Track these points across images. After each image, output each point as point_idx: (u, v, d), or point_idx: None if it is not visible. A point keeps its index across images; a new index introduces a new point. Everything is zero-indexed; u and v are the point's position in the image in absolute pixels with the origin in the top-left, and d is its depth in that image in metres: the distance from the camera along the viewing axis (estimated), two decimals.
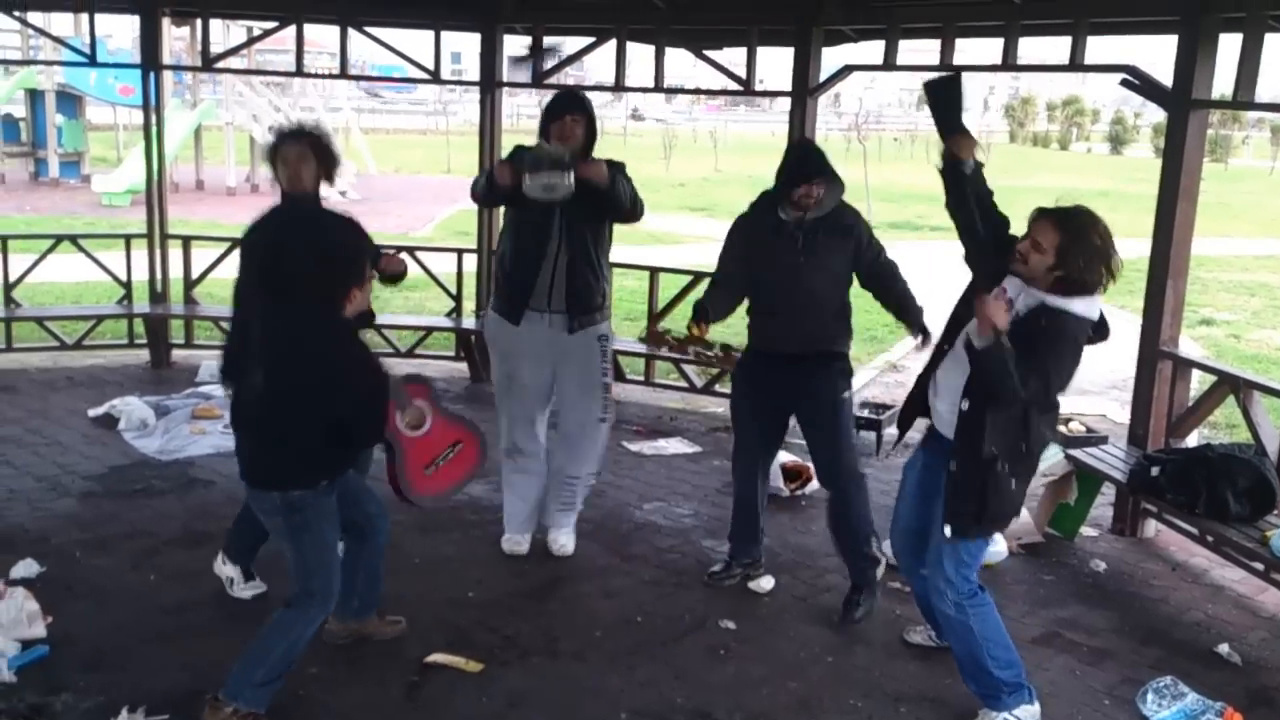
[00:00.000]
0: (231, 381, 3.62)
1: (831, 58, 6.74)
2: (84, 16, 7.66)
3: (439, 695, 3.68)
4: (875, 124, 41.48)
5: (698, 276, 6.97)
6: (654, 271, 7.53)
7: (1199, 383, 5.79)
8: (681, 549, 4.98)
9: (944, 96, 3.67)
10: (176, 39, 17.10)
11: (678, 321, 5.68)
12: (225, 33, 18.45)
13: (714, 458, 6.20)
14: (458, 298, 7.83)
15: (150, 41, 7.51)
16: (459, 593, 4.42)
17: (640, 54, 7.30)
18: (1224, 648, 4.20)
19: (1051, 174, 30.82)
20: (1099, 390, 7.98)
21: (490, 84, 7.39)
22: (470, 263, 7.76)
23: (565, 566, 4.72)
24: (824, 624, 4.29)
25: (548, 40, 7.40)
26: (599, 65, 21.44)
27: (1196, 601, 4.66)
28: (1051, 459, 5.04)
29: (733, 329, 4.70)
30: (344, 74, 8.12)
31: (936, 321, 3.86)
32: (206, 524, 4.88)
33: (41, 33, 9.57)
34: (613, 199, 4.33)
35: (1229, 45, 4.94)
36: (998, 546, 4.77)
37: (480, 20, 7.27)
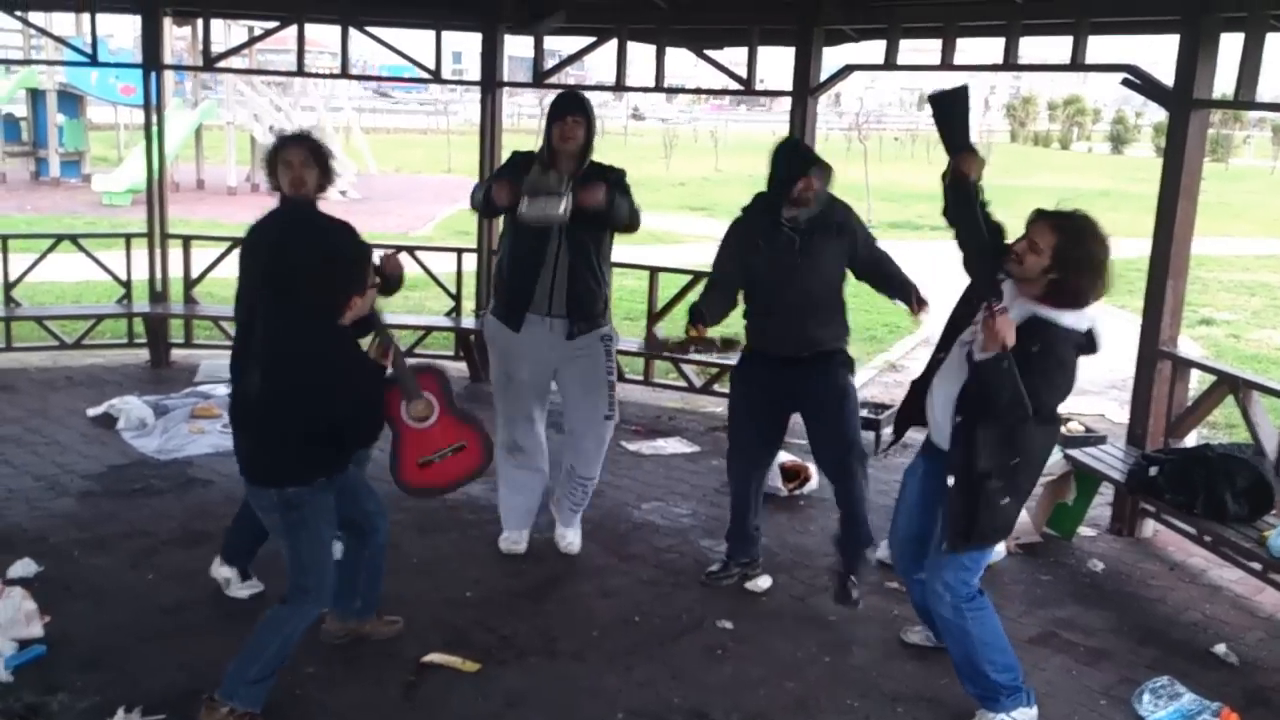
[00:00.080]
0: (234, 380, 3.64)
1: (832, 57, 6.76)
2: (85, 16, 7.66)
3: (436, 695, 3.68)
4: (876, 124, 41.43)
5: (697, 276, 6.96)
6: (654, 271, 7.53)
7: (1198, 382, 5.79)
8: (679, 549, 4.98)
9: (950, 111, 3.65)
10: (178, 39, 17.07)
11: (676, 321, 5.68)
12: (226, 32, 18.46)
13: (712, 457, 6.20)
14: (457, 297, 7.84)
15: (152, 41, 7.51)
16: (456, 592, 4.42)
17: (641, 54, 7.30)
18: (1221, 648, 4.19)
19: (1052, 174, 30.81)
20: (1098, 390, 7.98)
21: (491, 84, 7.39)
22: (470, 262, 7.76)
23: (563, 566, 4.73)
24: (821, 624, 4.29)
25: (548, 41, 7.41)
26: (600, 65, 21.46)
27: (1194, 601, 4.66)
28: (1050, 459, 5.04)
29: (732, 329, 4.69)
30: (345, 74, 8.12)
31: (937, 322, 3.86)
32: (205, 523, 4.89)
33: (43, 32, 9.56)
34: (610, 219, 4.38)
35: (1230, 45, 4.94)
36: (996, 547, 4.76)
37: (481, 20, 7.27)
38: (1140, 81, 5.17)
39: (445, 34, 7.38)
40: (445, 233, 16.09)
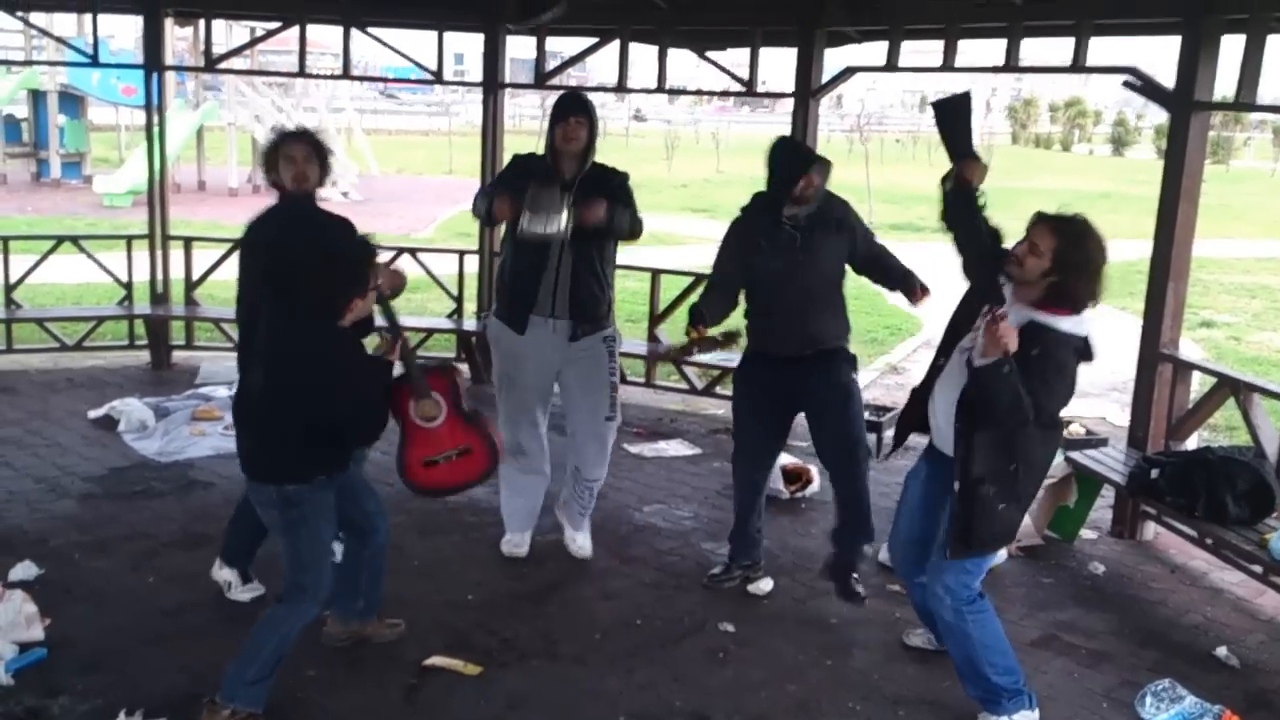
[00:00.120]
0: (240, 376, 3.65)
1: (834, 59, 6.74)
2: (87, 17, 7.65)
3: (437, 698, 3.68)
4: (877, 125, 41.39)
5: (699, 278, 6.95)
6: (655, 273, 7.52)
7: (1199, 385, 5.78)
8: (681, 551, 4.98)
9: (953, 117, 3.65)
10: (179, 39, 17.08)
11: (678, 323, 5.67)
12: (228, 33, 18.46)
13: (714, 460, 6.20)
14: (459, 299, 7.83)
15: (153, 42, 7.52)
16: (458, 595, 4.42)
17: (643, 55, 7.31)
18: (1222, 650, 4.19)
19: (1054, 175, 30.80)
20: (1099, 392, 7.97)
21: (493, 85, 7.39)
22: (471, 264, 7.76)
23: (564, 569, 4.72)
24: (823, 627, 4.29)
25: (550, 42, 7.41)
26: (602, 66, 21.44)
27: (1195, 604, 4.65)
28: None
29: (733, 325, 4.69)
30: (346, 74, 8.12)
31: (937, 324, 3.85)
32: (206, 526, 4.88)
33: (44, 33, 9.58)
34: (611, 234, 4.43)
35: (1231, 46, 4.95)
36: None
37: (483, 21, 7.27)
38: (1141, 83, 5.17)
39: (447, 35, 7.38)
40: (447, 234, 16.10)
